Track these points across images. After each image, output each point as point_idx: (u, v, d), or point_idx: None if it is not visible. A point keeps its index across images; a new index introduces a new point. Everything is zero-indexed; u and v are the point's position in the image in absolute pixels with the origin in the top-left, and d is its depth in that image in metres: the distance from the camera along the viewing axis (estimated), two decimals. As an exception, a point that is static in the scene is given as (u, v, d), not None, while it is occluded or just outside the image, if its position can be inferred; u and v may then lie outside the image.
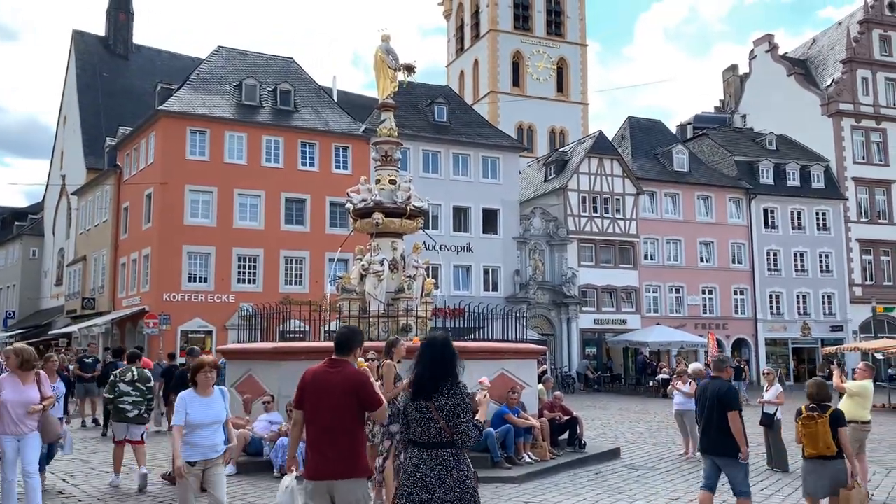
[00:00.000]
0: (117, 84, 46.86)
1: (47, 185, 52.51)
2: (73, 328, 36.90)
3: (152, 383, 10.50)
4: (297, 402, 5.37)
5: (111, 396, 10.16)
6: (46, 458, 9.42)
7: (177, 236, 31.27)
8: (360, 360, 5.93)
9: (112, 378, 10.39)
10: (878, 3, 47.35)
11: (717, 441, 7.28)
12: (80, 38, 49.04)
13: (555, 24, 62.34)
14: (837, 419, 7.11)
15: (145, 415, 10.27)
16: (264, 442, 11.32)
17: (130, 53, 50.08)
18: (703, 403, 7.54)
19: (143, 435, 10.33)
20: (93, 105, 45.02)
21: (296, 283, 32.98)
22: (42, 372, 7.88)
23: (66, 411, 10.25)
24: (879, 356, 30.72)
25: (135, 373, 10.21)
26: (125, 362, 11.27)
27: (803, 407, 7.32)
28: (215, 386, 6.56)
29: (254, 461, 11.23)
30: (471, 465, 4.87)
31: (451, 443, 4.72)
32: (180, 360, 22.98)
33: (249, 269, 32.60)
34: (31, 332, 42.90)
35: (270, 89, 35.27)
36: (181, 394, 6.41)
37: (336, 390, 5.12)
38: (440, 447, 4.73)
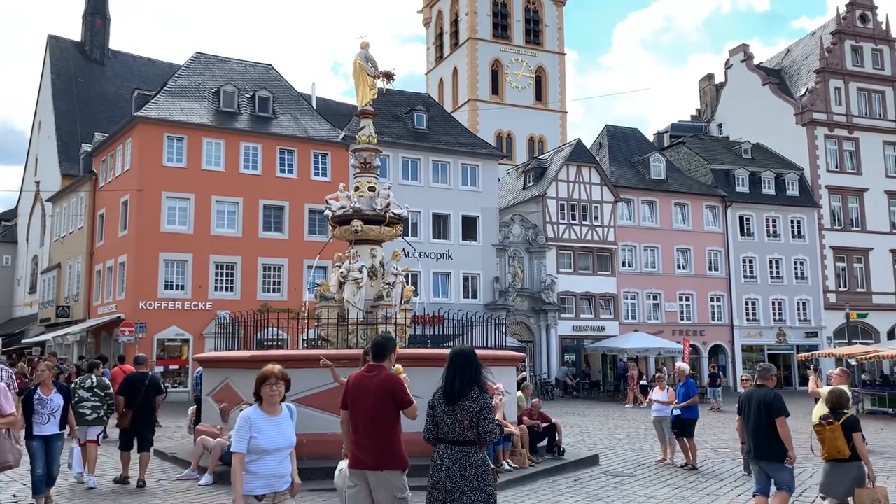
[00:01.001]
0: (93, 90, 46.40)
1: (21, 192, 51.84)
2: (48, 337, 36.33)
3: (110, 389, 11.32)
4: (342, 404, 5.98)
5: (71, 402, 10.61)
6: (46, 481, 8.92)
7: (153, 243, 30.96)
8: (398, 366, 6.60)
9: (73, 385, 11.10)
10: (850, 14, 48.22)
11: (765, 447, 7.73)
12: (55, 42, 48.50)
13: (533, 33, 62.78)
14: (852, 426, 7.57)
15: (104, 417, 11.06)
16: (242, 451, 11.21)
17: (107, 59, 49.60)
18: (748, 411, 7.94)
19: (99, 436, 11.12)
20: (68, 111, 44.53)
21: (274, 291, 32.79)
22: (1, 385, 7.29)
23: (65, 426, 9.29)
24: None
25: (94, 380, 11.07)
26: (106, 369, 12.22)
27: (820, 416, 7.91)
28: (283, 403, 5.45)
29: (230, 470, 11.11)
30: (489, 462, 5.45)
31: (473, 441, 5.31)
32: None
33: (227, 276, 32.35)
34: (3, 341, 42.15)
35: (249, 96, 35.10)
36: (244, 413, 5.31)
37: (373, 392, 5.71)
38: (463, 444, 5.32)
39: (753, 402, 7.89)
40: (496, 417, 5.73)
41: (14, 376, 9.01)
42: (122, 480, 10.87)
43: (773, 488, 7.95)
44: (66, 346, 35.60)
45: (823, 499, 9.35)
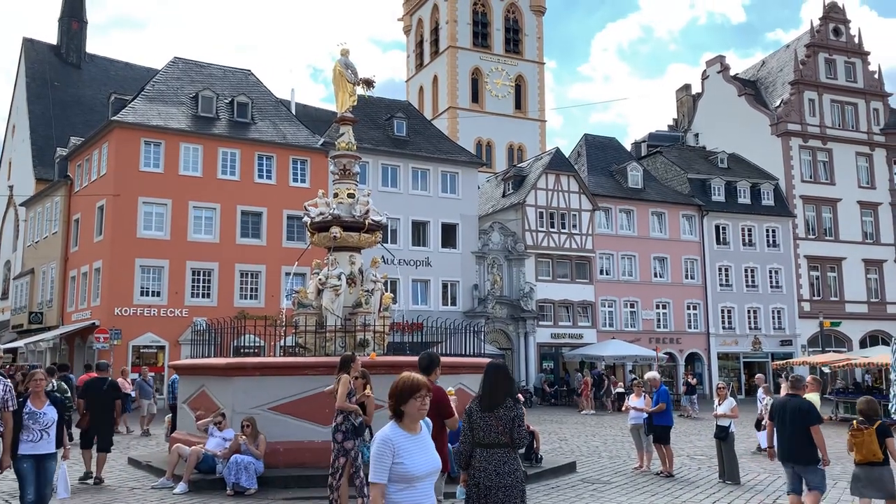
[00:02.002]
0: (69, 93, 45.87)
1: (-6, 196, 51.03)
2: (20, 343, 35.81)
3: (69, 394, 12.10)
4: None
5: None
6: None
7: (129, 249, 30.63)
8: (451, 388, 7.41)
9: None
10: (823, 27, 49.03)
11: (799, 451, 8.35)
12: (30, 45, 47.91)
13: (513, 42, 63.16)
14: (884, 431, 8.01)
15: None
16: (217, 459, 11.13)
17: (83, 62, 49.06)
18: (782, 418, 8.55)
19: None
20: (43, 114, 43.96)
21: (251, 298, 32.55)
22: None
23: (60, 443, 8.13)
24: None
25: (54, 384, 11.72)
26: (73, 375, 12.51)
27: (855, 422, 8.30)
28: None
29: (206, 479, 11.02)
30: (520, 462, 6.02)
31: (506, 444, 5.88)
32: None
33: (204, 283, 32.07)
34: (-26, 348, 41.48)
35: (227, 101, 34.89)
36: (383, 434, 4.15)
37: None
38: (497, 447, 5.86)
39: (788, 410, 8.44)
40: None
41: (12, 388, 8.10)
42: (86, 476, 11.37)
43: (804, 488, 8.41)
44: (38, 353, 35.05)
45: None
